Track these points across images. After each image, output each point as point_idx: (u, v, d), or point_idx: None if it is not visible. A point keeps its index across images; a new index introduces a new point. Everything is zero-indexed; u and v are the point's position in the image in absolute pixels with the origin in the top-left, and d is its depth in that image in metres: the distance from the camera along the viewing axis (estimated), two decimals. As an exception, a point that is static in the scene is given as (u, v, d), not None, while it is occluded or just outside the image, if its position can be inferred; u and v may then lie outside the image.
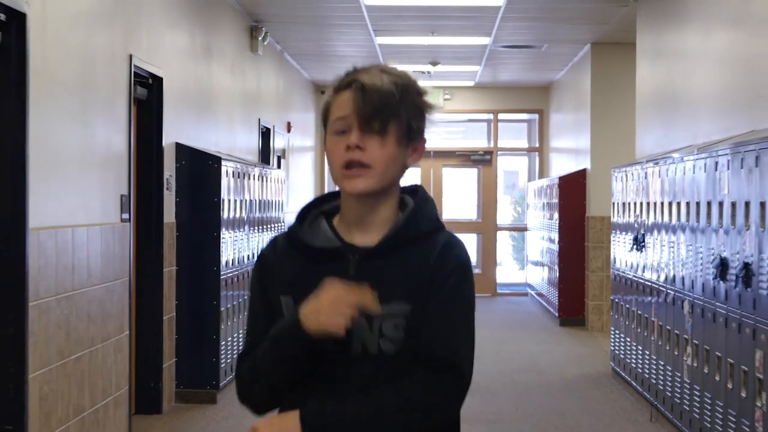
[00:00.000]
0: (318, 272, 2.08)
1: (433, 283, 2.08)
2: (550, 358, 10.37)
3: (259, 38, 11.05)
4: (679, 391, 6.72)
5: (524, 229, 17.92)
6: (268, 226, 9.82)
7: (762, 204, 5.03)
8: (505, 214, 19.21)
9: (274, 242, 2.22)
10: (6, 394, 4.86)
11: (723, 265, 5.59)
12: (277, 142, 12.81)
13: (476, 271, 17.50)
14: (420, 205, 2.17)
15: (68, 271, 5.50)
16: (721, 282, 5.65)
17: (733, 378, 5.47)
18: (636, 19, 9.87)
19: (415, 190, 2.22)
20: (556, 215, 13.30)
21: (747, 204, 5.27)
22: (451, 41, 12.28)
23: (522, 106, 17.16)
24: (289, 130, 13.73)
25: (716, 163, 5.88)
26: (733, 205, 5.51)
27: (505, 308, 15.34)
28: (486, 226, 17.48)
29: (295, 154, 14.40)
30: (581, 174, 12.98)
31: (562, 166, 15.11)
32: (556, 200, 13.30)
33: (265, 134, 12.01)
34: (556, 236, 13.31)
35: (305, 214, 2.21)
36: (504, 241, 20.13)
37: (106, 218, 6.20)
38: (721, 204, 5.76)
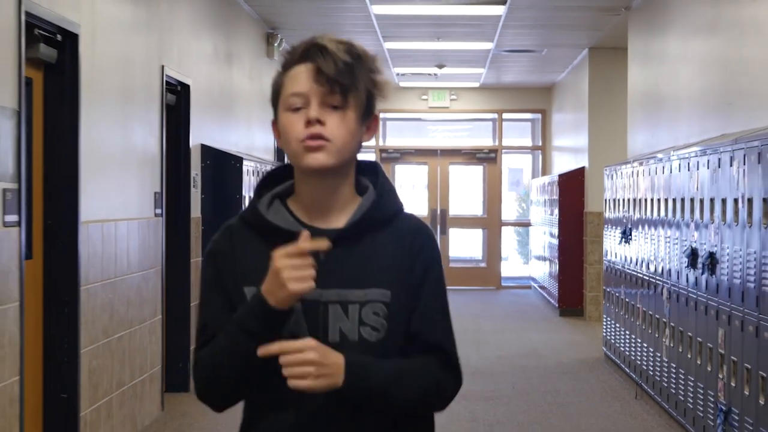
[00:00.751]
0: None
1: (414, 272, 2.05)
2: (548, 344, 11.06)
3: (275, 44, 11.76)
4: (659, 370, 7.41)
5: (528, 224, 18.60)
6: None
7: (723, 200, 5.71)
8: (509, 210, 19.87)
9: (227, 230, 2.09)
10: (62, 367, 5.58)
11: (693, 255, 6.28)
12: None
13: (481, 264, 18.21)
14: (383, 186, 2.10)
15: (112, 260, 6.21)
16: (692, 270, 6.34)
17: (701, 355, 6.16)
18: (627, 26, 10.55)
19: (373, 169, 2.13)
20: (556, 211, 13.98)
21: (712, 201, 5.96)
22: (455, 46, 12.97)
23: (525, 106, 17.84)
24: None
25: (688, 163, 6.57)
26: (701, 201, 6.20)
27: (508, 300, 16.02)
28: (491, 221, 18.16)
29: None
30: (580, 172, 13.66)
31: (563, 163, 15.79)
32: (556, 197, 13.97)
33: (280, 134, 12.70)
34: (556, 231, 13.99)
35: (259, 194, 2.10)
36: (509, 237, 20.80)
37: (142, 213, 6.91)
38: (692, 201, 6.44)
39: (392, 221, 2.08)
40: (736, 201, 5.49)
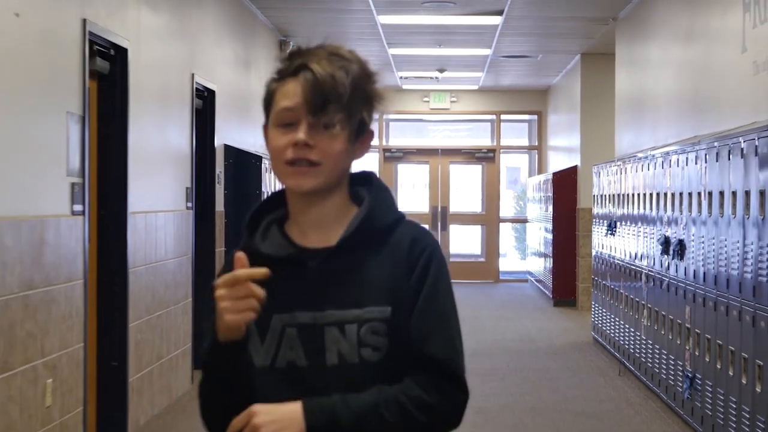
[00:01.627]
0: (278, 286, 1.91)
1: (411, 283, 1.95)
2: (542, 331, 11.89)
3: (287, 51, 12.59)
4: (639, 348, 8.24)
5: (525, 221, 19.43)
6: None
7: (690, 195, 6.54)
8: (507, 208, 20.70)
9: (230, 260, 1.95)
10: (114, 338, 6.40)
11: (666, 243, 7.12)
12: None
13: (480, 259, 19.03)
14: (377, 197, 2.01)
15: (153, 247, 7.04)
16: (665, 255, 7.17)
17: (672, 330, 7.00)
18: (615, 34, 11.37)
19: (368, 179, 2.04)
20: (550, 208, 14.80)
21: (681, 195, 6.79)
22: (456, 52, 13.79)
23: (522, 107, 18.67)
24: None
25: (662, 162, 7.40)
26: (673, 196, 7.03)
27: (505, 292, 16.85)
28: (489, 218, 18.99)
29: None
30: (573, 170, 14.48)
31: (558, 162, 16.61)
32: (551, 194, 14.80)
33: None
34: (551, 227, 14.81)
35: (256, 222, 2.03)
36: (508, 233, 21.62)
37: (176, 206, 7.74)
38: (665, 195, 7.28)
39: (390, 232, 1.98)
40: (699, 195, 6.32)
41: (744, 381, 5.38)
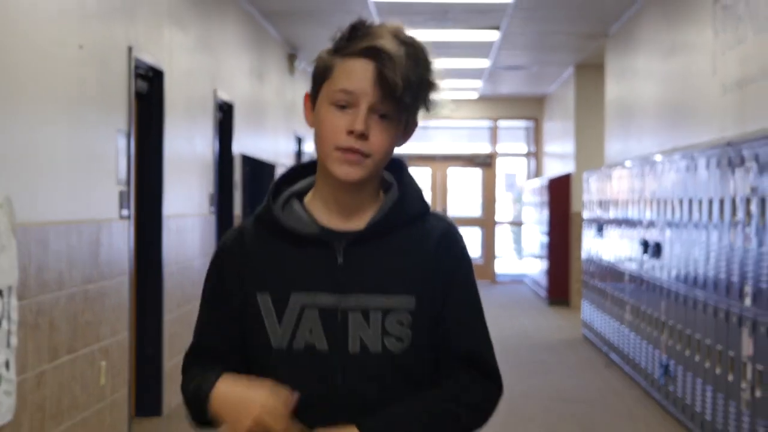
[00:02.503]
0: (299, 263, 1.89)
1: (442, 276, 1.91)
2: (536, 328, 12.65)
3: (295, 63, 13.35)
4: (623, 341, 9.01)
5: (521, 224, 20.20)
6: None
7: (665, 201, 7.31)
8: (505, 211, 21.46)
9: (239, 232, 1.96)
10: (150, 330, 7.16)
11: (645, 245, 7.88)
12: (308, 147, 15.09)
13: (478, 261, 19.80)
14: (408, 185, 1.96)
15: (182, 248, 7.80)
16: (644, 257, 7.94)
17: (650, 324, 7.76)
18: (605, 49, 12.14)
19: (398, 166, 1.98)
20: (546, 212, 15.57)
21: (658, 201, 7.56)
22: (456, 64, 14.56)
23: (519, 114, 19.45)
24: (317, 138, 16.02)
25: (644, 171, 8.17)
26: (651, 202, 7.80)
27: (502, 293, 17.62)
28: (487, 221, 19.77)
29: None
30: (567, 177, 15.25)
31: (553, 168, 17.38)
32: (546, 199, 15.56)
33: (299, 141, 14.30)
34: (546, 230, 15.57)
35: (276, 193, 1.97)
36: (506, 236, 22.39)
37: (201, 210, 8.50)
38: (645, 202, 8.04)
39: (417, 222, 1.94)
40: (674, 202, 7.08)
41: (707, 365, 6.15)
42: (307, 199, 1.96)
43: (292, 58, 13.29)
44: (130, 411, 6.60)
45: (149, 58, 6.86)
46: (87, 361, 5.70)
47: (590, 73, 14.63)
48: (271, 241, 1.92)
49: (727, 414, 5.73)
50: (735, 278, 5.60)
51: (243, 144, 10.18)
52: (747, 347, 5.38)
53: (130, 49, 6.43)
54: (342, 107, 1.86)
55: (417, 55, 1.90)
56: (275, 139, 12.23)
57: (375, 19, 8.43)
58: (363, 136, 1.85)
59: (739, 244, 5.51)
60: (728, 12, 6.99)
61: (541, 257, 16.34)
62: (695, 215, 6.49)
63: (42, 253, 5.02)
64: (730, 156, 5.74)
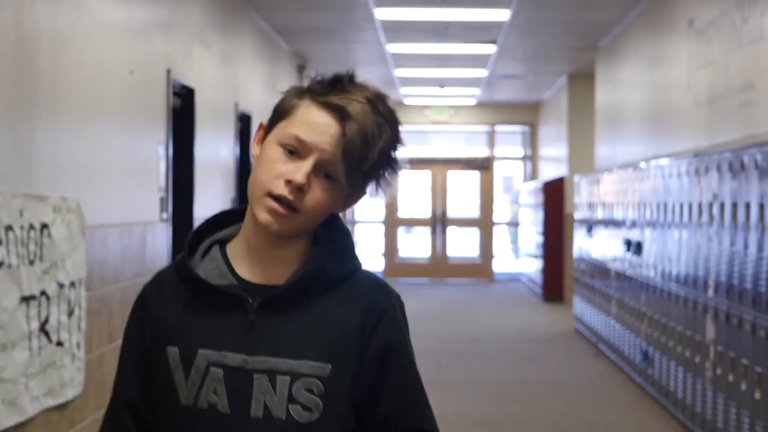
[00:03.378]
0: (210, 318, 1.80)
1: (376, 352, 1.80)
2: (531, 322, 13.49)
3: (304, 73, 14.18)
4: (610, 332, 9.84)
5: (517, 225, 21.04)
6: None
7: (645, 204, 8.15)
8: (503, 212, 22.30)
9: (158, 279, 1.88)
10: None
11: (628, 243, 8.72)
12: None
13: (477, 260, 20.62)
14: (335, 242, 1.83)
15: (209, 247, 8.62)
16: (627, 254, 8.78)
17: (632, 315, 8.60)
18: (596, 60, 12.98)
19: (331, 219, 1.84)
20: (541, 213, 16.40)
21: (640, 204, 8.40)
22: (455, 73, 15.40)
23: (516, 120, 20.30)
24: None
25: (627, 176, 9.01)
26: (634, 205, 8.64)
27: (500, 290, 18.46)
28: (485, 222, 20.61)
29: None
30: (560, 180, 16.08)
31: (548, 171, 18.22)
32: (541, 201, 16.40)
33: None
34: (541, 230, 16.41)
35: (197, 241, 1.86)
36: (503, 237, 23.22)
37: (224, 213, 9.31)
38: (629, 204, 8.88)
39: (345, 284, 1.82)
40: (652, 204, 7.92)
41: (679, 349, 6.99)
42: (231, 246, 1.86)
43: (301, 69, 14.11)
44: (168, 392, 7.44)
45: (183, 78, 7.69)
46: (136, 345, 6.52)
47: (582, 82, 15.45)
48: (185, 291, 1.82)
49: (695, 391, 6.57)
50: (701, 272, 6.43)
51: (259, 151, 11.00)
52: (710, 332, 6.22)
53: (168, 72, 7.26)
54: (290, 152, 1.77)
55: (384, 131, 1.80)
56: (286, 146, 13.06)
57: (380, 37, 9.25)
58: (300, 190, 1.75)
59: (704, 243, 6.34)
60: (700, 35, 7.83)
61: (536, 256, 17.17)
62: (669, 217, 7.32)
63: (103, 251, 5.85)
64: (697, 165, 6.57)
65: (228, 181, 9.50)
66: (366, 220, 21.55)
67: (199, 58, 8.29)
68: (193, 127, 8.01)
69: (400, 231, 21.00)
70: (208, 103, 8.57)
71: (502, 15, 10.58)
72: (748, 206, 5.49)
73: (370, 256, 21.43)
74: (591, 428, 7.24)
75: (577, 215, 12.37)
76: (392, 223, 20.69)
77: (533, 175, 20.26)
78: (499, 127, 20.50)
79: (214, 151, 8.94)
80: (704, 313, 6.34)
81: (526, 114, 20.07)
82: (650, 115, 9.67)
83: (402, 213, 20.86)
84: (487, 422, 7.42)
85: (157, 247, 6.99)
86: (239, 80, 10.02)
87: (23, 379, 4.75)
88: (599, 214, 10.57)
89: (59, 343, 5.16)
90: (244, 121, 10.40)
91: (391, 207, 20.52)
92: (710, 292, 6.22)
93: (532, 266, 17.92)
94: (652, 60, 9.65)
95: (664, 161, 7.77)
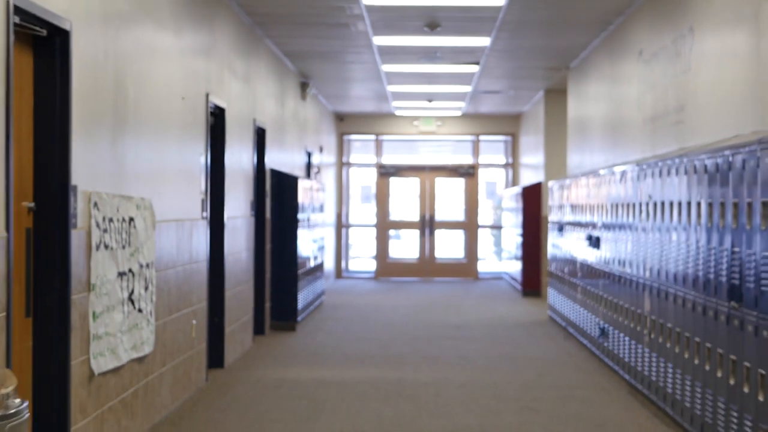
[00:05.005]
0: None
1: None
2: (511, 313, 15.06)
3: (307, 90, 15.74)
4: (576, 315, 11.42)
5: (500, 228, 22.64)
6: (319, 220, 14.53)
7: (601, 206, 9.74)
8: (486, 216, 23.89)
9: None
10: (216, 302, 9.52)
11: (590, 239, 10.30)
12: (314, 159, 17.49)
13: (462, 260, 22.19)
14: None
15: (234, 242, 10.16)
16: (589, 248, 10.36)
17: (592, 299, 10.18)
18: (567, 78, 14.58)
19: None
20: (521, 216, 17.98)
21: (598, 206, 9.99)
22: (442, 89, 16.98)
23: (498, 130, 21.90)
24: (321, 151, 18.44)
25: (589, 181, 10.60)
26: (592, 207, 10.22)
27: (483, 287, 20.04)
28: (470, 225, 22.20)
29: (324, 169, 19.13)
30: (538, 185, 17.67)
31: (528, 177, 19.80)
32: (521, 205, 17.98)
33: (309, 155, 16.69)
34: (521, 232, 17.98)
35: None
36: (487, 239, 24.80)
37: (245, 213, 10.86)
38: (590, 206, 10.46)
39: None
40: (607, 206, 9.51)
41: (626, 322, 8.57)
42: None
43: (304, 86, 15.66)
44: (207, 361, 8.97)
45: (216, 99, 9.24)
46: (185, 319, 8.07)
47: (557, 96, 17.05)
48: None
49: (638, 355, 8.14)
50: (641, 259, 8.01)
51: (270, 160, 12.57)
52: (647, 305, 7.80)
53: (207, 95, 8.81)
54: None
55: None
56: (292, 154, 14.62)
57: (376, 58, 10.91)
58: None
59: (643, 236, 7.92)
60: (647, 63, 9.42)
61: (517, 256, 18.75)
62: (619, 216, 8.91)
63: (165, 241, 7.39)
64: (638, 172, 8.16)
65: (248, 186, 11.05)
66: (359, 224, 23.08)
67: (227, 81, 9.84)
68: (223, 140, 9.56)
69: (392, 234, 22.58)
70: (234, 120, 10.12)
71: (484, 41, 12.16)
72: (672, 205, 7.07)
73: (364, 257, 23.00)
74: (556, 388, 8.79)
75: (551, 217, 13.95)
76: (384, 226, 22.25)
77: (514, 181, 21.85)
78: (483, 137, 22.08)
79: (239, 161, 10.49)
80: (643, 291, 7.92)
81: (508, 125, 21.68)
82: (610, 128, 11.26)
83: (393, 217, 22.43)
84: (469, 385, 8.97)
85: (200, 240, 8.54)
86: (256, 98, 11.57)
87: (119, 334, 6.30)
88: (568, 215, 12.15)
89: (140, 310, 6.71)
90: (259, 134, 11.95)
91: (383, 212, 22.11)
92: (647, 274, 7.80)
93: (513, 266, 19.49)
94: (611, 81, 11.24)
95: (618, 169, 9.34)
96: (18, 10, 4.77)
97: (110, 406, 6.19)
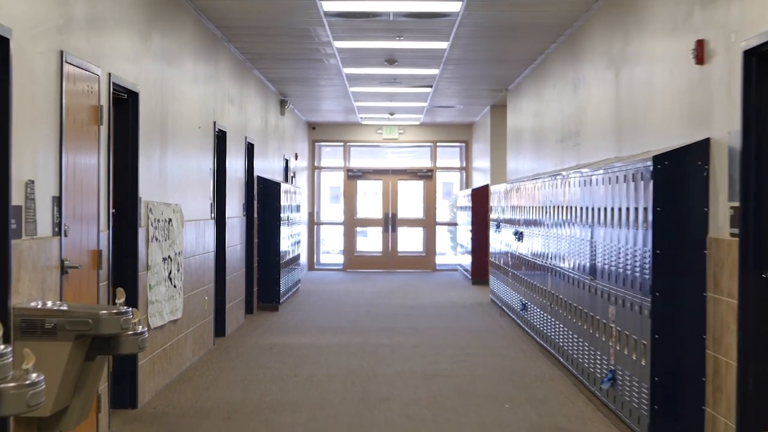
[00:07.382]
0: None
1: None
2: (460, 297, 17.65)
3: (285, 106, 18.26)
4: (508, 297, 14.02)
5: (455, 224, 25.27)
6: (295, 219, 17.09)
7: (523, 207, 12.35)
8: (443, 214, 26.50)
9: None
10: (219, 284, 12.05)
11: (516, 233, 12.92)
12: (291, 164, 20.01)
13: (422, 254, 24.79)
14: None
15: (231, 238, 12.68)
16: (516, 240, 12.97)
17: (517, 281, 12.79)
18: (507, 97, 17.20)
19: None
20: (471, 215, 20.57)
21: (524, 208, 12.60)
22: (402, 105, 19.56)
23: (453, 138, 24.51)
24: (296, 158, 20.96)
25: (521, 187, 13.22)
26: (521, 208, 12.83)
27: (439, 277, 22.64)
28: (428, 222, 24.81)
29: (299, 173, 21.68)
30: (486, 187, 20.28)
31: (479, 180, 22.40)
32: (471, 205, 20.57)
33: (286, 162, 19.21)
34: (470, 229, 20.58)
35: None
36: (444, 235, 27.41)
37: (239, 214, 13.38)
38: (519, 208, 13.07)
39: None
40: (527, 207, 12.12)
41: (538, 298, 11.19)
42: None
43: (283, 103, 18.17)
44: (214, 330, 11.50)
45: (220, 125, 11.75)
46: (200, 295, 10.58)
47: (500, 111, 19.62)
48: None
49: (544, 321, 10.74)
50: (546, 250, 10.61)
51: (257, 168, 15.08)
52: (549, 283, 10.41)
53: (215, 123, 11.32)
54: None
55: None
56: (273, 162, 17.15)
57: (345, 82, 13.57)
58: None
59: (549, 231, 10.52)
60: (559, 95, 12.03)
61: (468, 249, 21.33)
62: (535, 216, 11.51)
63: (189, 236, 9.90)
64: (554, 180, 10.77)
65: (241, 192, 13.56)
66: (329, 222, 25.60)
67: (227, 109, 12.35)
68: (224, 156, 12.08)
69: (358, 230, 25.12)
70: (232, 138, 12.65)
71: (434, 72, 14.74)
72: (566, 209, 9.67)
73: (333, 252, 25.55)
74: (484, 348, 11.37)
75: (491, 216, 16.56)
76: (351, 223, 24.80)
77: (467, 184, 24.45)
78: (439, 144, 24.69)
79: (235, 171, 13.00)
80: (548, 273, 10.53)
81: (462, 133, 24.31)
82: (535, 142, 13.88)
83: (359, 215, 24.98)
84: (418, 346, 11.53)
85: (210, 235, 11.07)
86: (247, 118, 14.08)
87: (163, 302, 8.82)
88: (503, 215, 14.77)
89: (174, 286, 9.23)
90: (249, 148, 14.47)
91: (350, 210, 24.66)
92: (553, 261, 10.41)
93: (466, 259, 22.07)
94: (537, 104, 13.86)
95: (532, 180, 11.94)
96: (114, 84, 7.28)
97: (157, 353, 8.70)
